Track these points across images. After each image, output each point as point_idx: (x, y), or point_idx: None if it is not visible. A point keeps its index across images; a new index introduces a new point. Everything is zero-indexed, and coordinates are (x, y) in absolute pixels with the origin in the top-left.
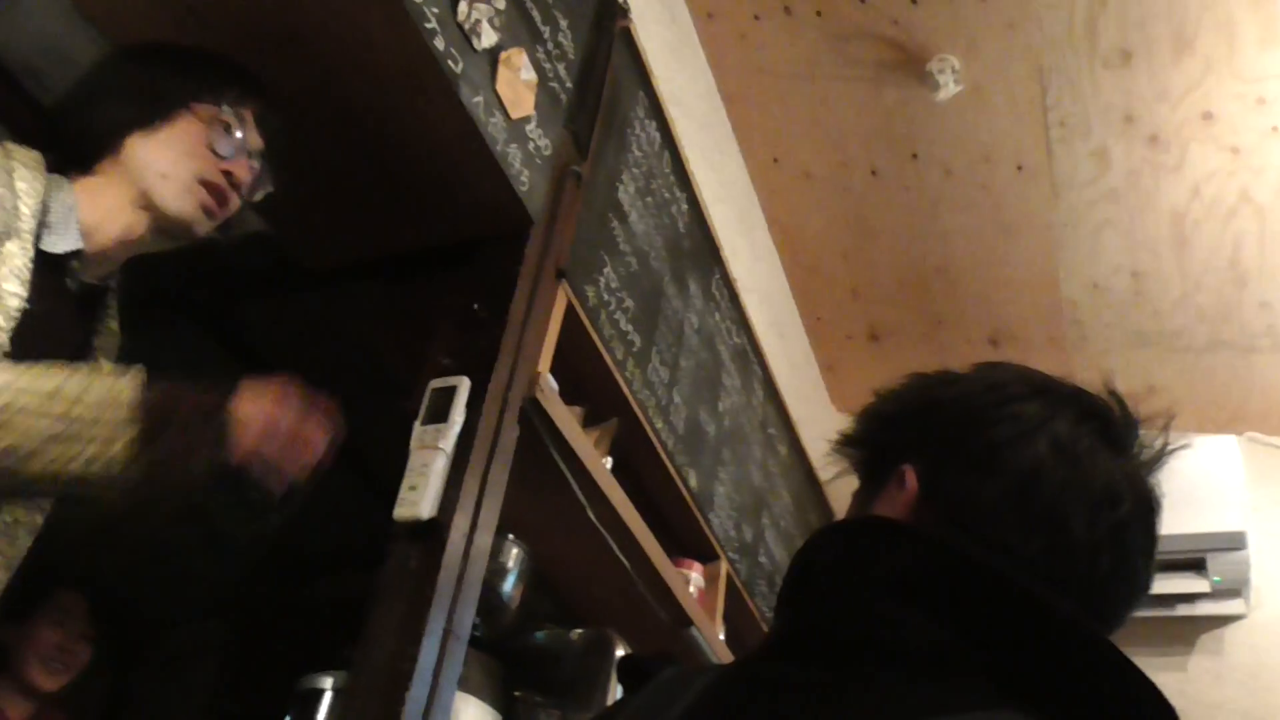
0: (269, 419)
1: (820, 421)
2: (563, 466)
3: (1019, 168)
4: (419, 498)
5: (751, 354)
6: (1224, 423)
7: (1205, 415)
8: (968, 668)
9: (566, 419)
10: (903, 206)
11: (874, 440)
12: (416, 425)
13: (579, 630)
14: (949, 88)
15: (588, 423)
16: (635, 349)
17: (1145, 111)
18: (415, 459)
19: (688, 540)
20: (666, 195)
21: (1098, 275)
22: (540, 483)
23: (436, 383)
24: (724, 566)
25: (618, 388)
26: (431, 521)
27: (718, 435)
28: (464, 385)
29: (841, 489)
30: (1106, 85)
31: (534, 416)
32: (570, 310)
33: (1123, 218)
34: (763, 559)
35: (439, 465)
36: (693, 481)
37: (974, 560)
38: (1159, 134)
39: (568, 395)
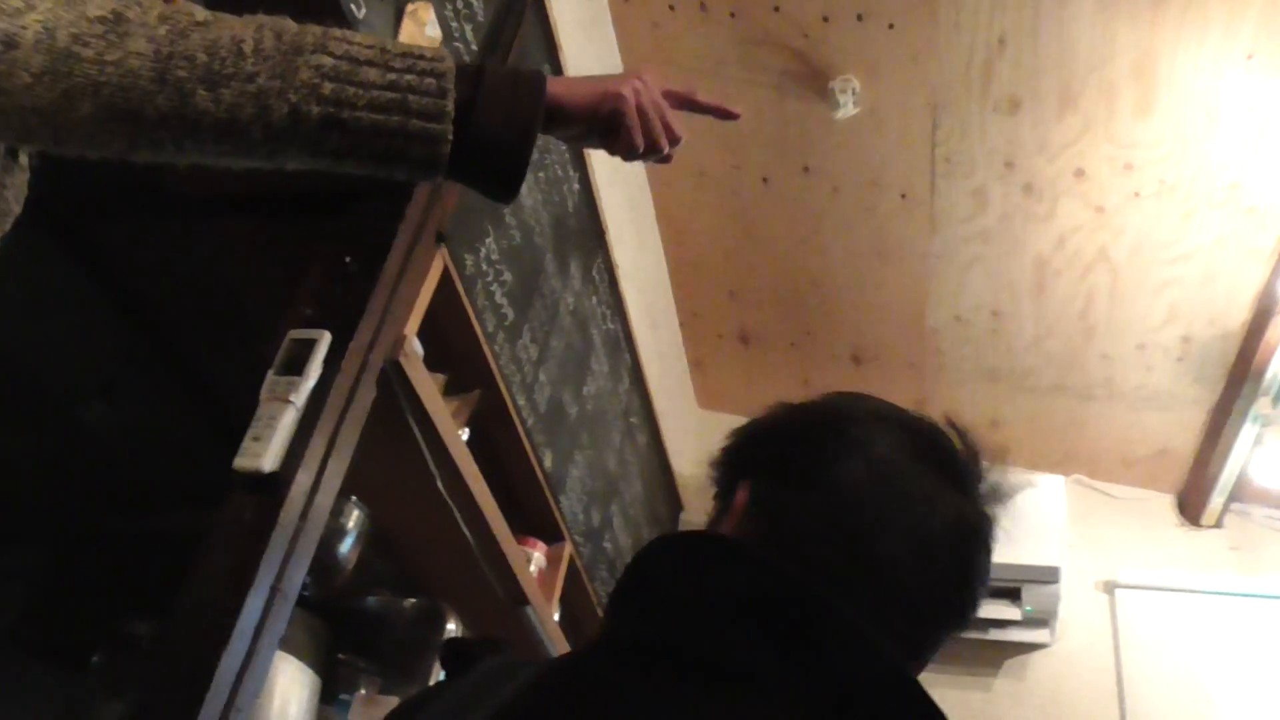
0: (614, 78)
1: (683, 416)
2: (417, 433)
3: (903, 196)
4: (262, 450)
5: (624, 342)
6: (1055, 462)
7: (1039, 453)
8: (784, 689)
9: (427, 385)
10: (788, 217)
11: (725, 460)
12: (270, 374)
13: (412, 600)
14: (847, 108)
15: (449, 391)
16: (507, 323)
17: (1025, 160)
18: (264, 409)
19: (535, 519)
20: (559, 173)
21: (961, 309)
22: (392, 447)
23: (296, 333)
24: (568, 549)
25: (484, 360)
26: (272, 475)
27: (579, 418)
28: (324, 339)
29: (698, 487)
30: (993, 130)
31: (394, 379)
32: (446, 276)
33: (991, 258)
34: (607, 544)
35: (287, 419)
36: (548, 462)
37: (787, 579)
38: (1034, 183)
39: (432, 362)
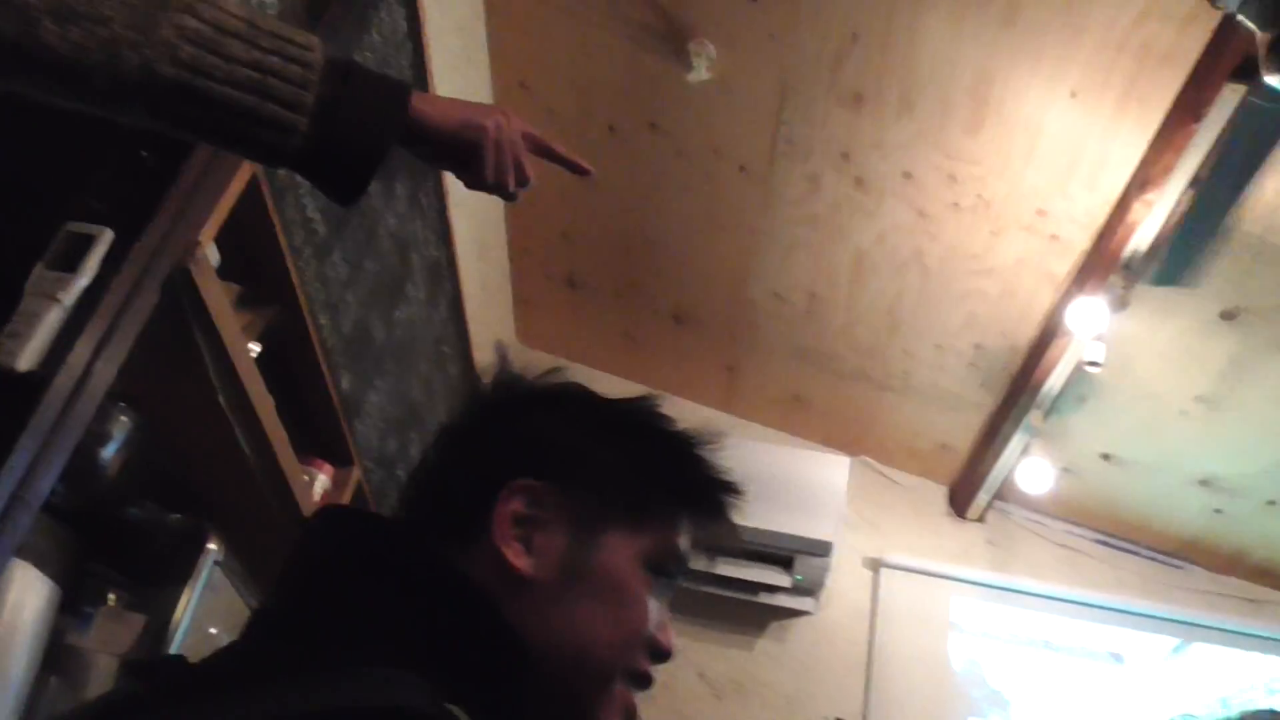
0: (479, 108)
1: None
2: (202, 344)
3: (741, 169)
4: (18, 347)
5: (446, 270)
6: (847, 443)
7: (833, 433)
8: (409, 653)
9: (217, 296)
10: (629, 170)
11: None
12: (39, 267)
13: (177, 516)
14: (700, 72)
15: (244, 304)
16: (318, 239)
17: (860, 154)
18: (27, 304)
19: (326, 442)
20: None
21: (781, 287)
22: (174, 357)
23: (74, 226)
24: (356, 473)
25: (287, 275)
26: (28, 375)
27: (386, 343)
28: (105, 237)
29: None
30: (835, 120)
31: (180, 287)
32: (254, 183)
33: (816, 242)
34: (400, 472)
35: (51, 318)
36: (345, 384)
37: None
38: (865, 178)
39: (229, 271)
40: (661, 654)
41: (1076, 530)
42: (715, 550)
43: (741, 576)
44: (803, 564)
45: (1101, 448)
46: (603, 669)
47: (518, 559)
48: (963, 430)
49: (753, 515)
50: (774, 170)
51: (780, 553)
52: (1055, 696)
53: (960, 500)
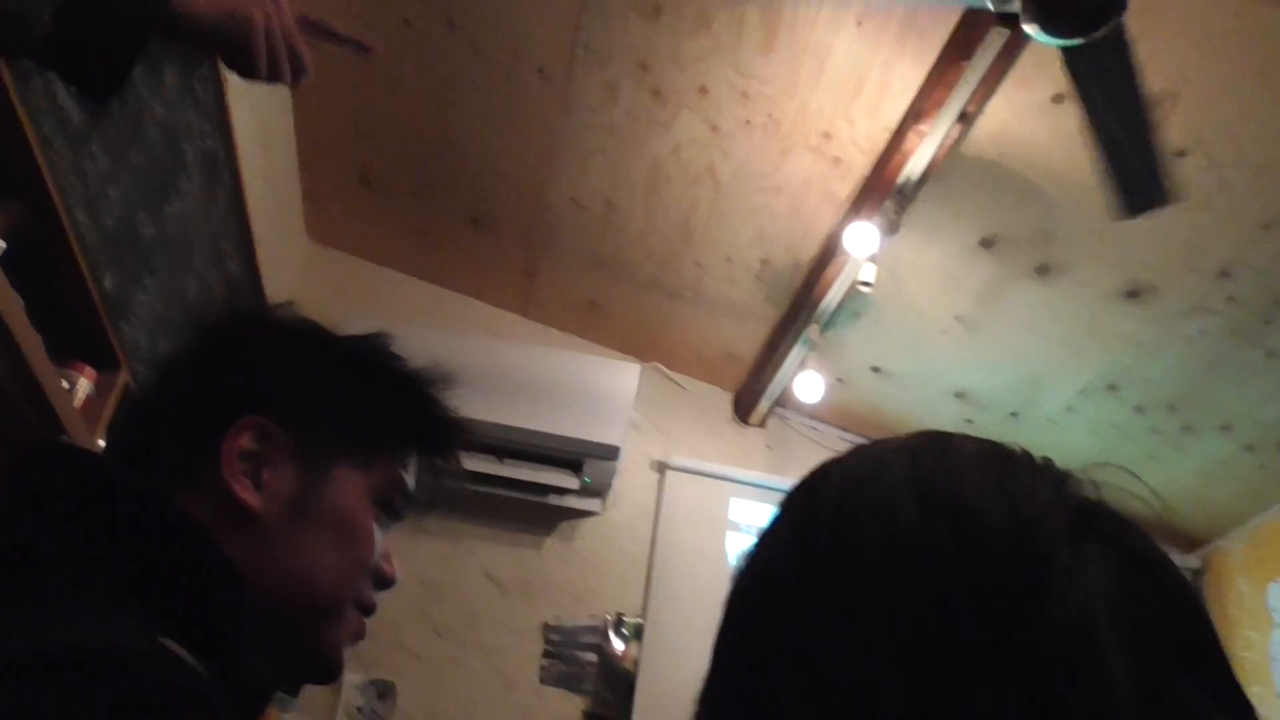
0: None
1: (288, 247)
2: None
3: (540, 71)
4: None
5: (224, 163)
6: (639, 349)
7: (627, 339)
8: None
9: None
10: (425, 66)
11: None
12: None
13: None
14: None
15: None
16: (72, 129)
17: (657, 65)
18: None
19: (88, 344)
20: None
21: (579, 193)
22: None
23: None
24: (124, 376)
25: (34, 167)
26: None
27: (156, 240)
28: None
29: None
30: (634, 29)
31: None
32: None
33: (613, 150)
34: None
35: None
36: (108, 283)
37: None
38: (662, 89)
39: None
40: (386, 582)
41: (848, 436)
42: (443, 487)
43: (531, 479)
44: (591, 467)
45: (872, 361)
46: (333, 600)
47: (246, 495)
48: (748, 340)
49: (543, 420)
50: (572, 75)
51: (569, 456)
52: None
53: (743, 407)
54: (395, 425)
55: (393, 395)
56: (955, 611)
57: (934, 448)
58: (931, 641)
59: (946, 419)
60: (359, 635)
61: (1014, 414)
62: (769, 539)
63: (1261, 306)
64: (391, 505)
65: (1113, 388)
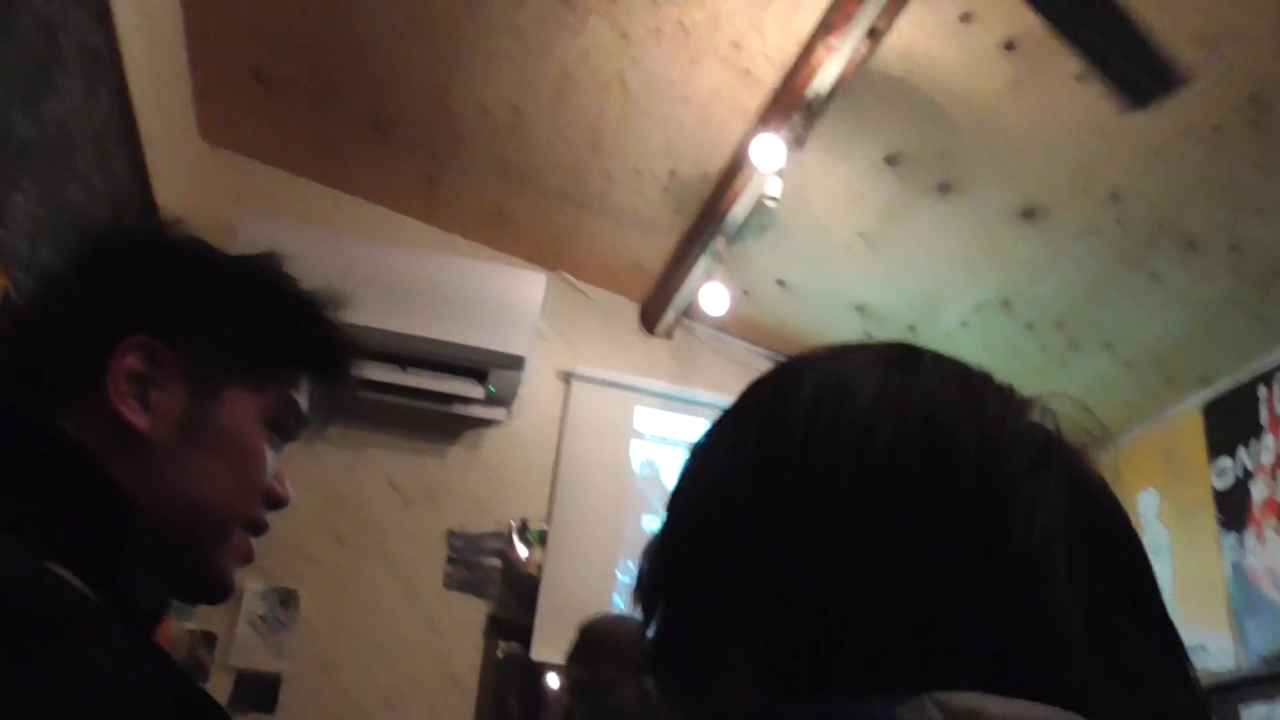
0: None
1: (179, 147)
2: None
3: None
4: None
5: (107, 59)
6: (547, 259)
7: (534, 248)
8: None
9: None
10: None
11: None
12: None
13: None
14: None
15: None
16: None
17: None
18: None
19: None
20: None
21: (485, 99)
22: None
23: None
24: (3, 282)
25: None
26: None
27: (32, 140)
28: None
29: None
30: None
31: None
32: None
33: (520, 55)
34: None
35: None
36: None
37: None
38: None
39: None
40: (278, 503)
41: (752, 348)
42: (337, 407)
43: (435, 388)
44: (496, 376)
45: (777, 274)
46: (223, 521)
47: (134, 416)
48: (655, 251)
49: (447, 329)
50: None
51: (474, 365)
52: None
53: (650, 317)
54: (286, 347)
55: (283, 317)
56: (923, 524)
57: (907, 363)
58: (898, 549)
59: (848, 333)
60: (248, 556)
61: (911, 328)
62: (730, 436)
63: (1147, 231)
64: (283, 426)
65: (1006, 305)
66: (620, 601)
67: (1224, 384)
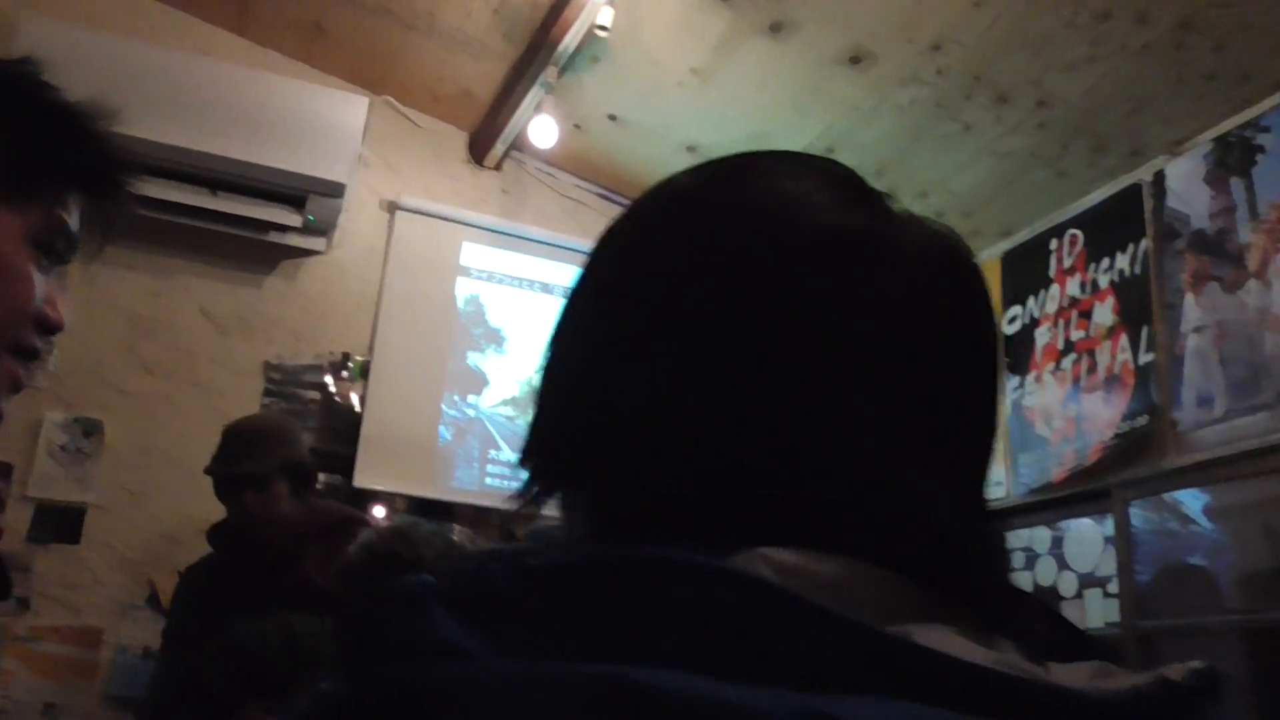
0: None
1: None
2: None
3: None
4: None
5: None
6: (370, 82)
7: (355, 70)
8: None
9: None
10: None
11: None
12: None
13: None
14: None
15: None
16: None
17: None
18: None
19: None
20: None
21: None
22: None
23: None
24: None
25: None
26: None
27: None
28: None
29: None
30: None
31: None
32: None
33: None
34: None
35: None
36: None
37: None
38: None
39: None
40: (52, 328)
41: (582, 184)
42: (114, 227)
43: (248, 214)
44: (315, 204)
45: (609, 108)
46: None
47: None
48: (485, 79)
49: (260, 151)
50: None
51: (291, 192)
52: (546, 334)
53: (479, 148)
54: (48, 163)
55: (44, 130)
56: (764, 293)
57: (759, 164)
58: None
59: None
60: (17, 384)
61: None
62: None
63: (964, 81)
64: (52, 247)
65: (830, 150)
66: (447, 433)
67: (1022, 235)
